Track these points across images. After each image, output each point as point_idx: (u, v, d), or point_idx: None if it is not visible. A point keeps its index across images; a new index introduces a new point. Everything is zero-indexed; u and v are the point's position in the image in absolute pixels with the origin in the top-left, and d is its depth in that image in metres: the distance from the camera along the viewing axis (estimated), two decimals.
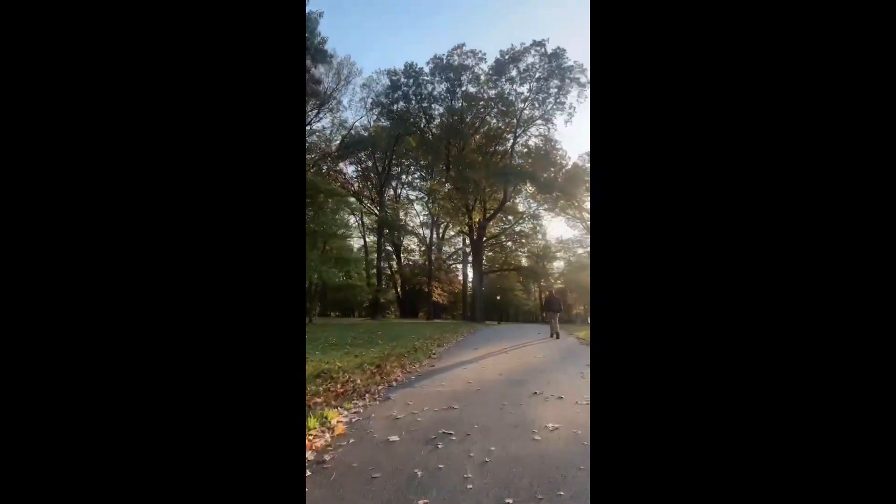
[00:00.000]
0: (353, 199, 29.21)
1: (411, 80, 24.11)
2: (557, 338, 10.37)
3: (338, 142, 28.13)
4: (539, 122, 24.00)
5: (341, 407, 3.60)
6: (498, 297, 33.55)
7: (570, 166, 25.08)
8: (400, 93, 24.43)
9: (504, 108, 23.13)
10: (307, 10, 12.87)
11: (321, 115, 27.37)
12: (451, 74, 23.27)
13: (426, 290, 29.48)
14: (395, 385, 4.64)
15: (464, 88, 23.66)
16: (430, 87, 24.33)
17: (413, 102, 24.84)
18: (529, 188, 24.98)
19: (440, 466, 2.35)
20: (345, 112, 28.33)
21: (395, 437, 2.88)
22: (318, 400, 3.83)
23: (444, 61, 23.38)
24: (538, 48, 22.14)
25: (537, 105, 23.38)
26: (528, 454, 2.55)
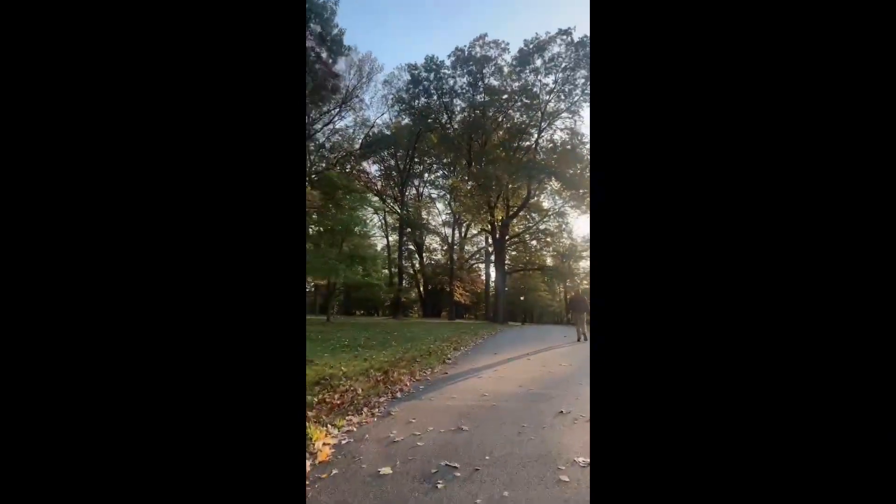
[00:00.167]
0: (375, 198, 29.16)
1: (432, 75, 23.57)
2: (585, 340, 9.64)
3: (361, 140, 27.99)
4: (565, 114, 23.05)
5: (332, 424, 3.08)
6: (521, 298, 32.70)
7: None
8: (420, 88, 23.93)
9: (528, 101, 22.26)
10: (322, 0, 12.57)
11: (344, 114, 27.30)
12: (473, 67, 22.61)
13: (448, 289, 28.96)
14: (400, 396, 4.10)
15: (486, 81, 22.93)
16: (451, 82, 23.74)
17: (434, 97, 24.31)
18: (555, 184, 24.04)
19: None
20: (367, 110, 28.23)
21: (386, 470, 2.33)
22: (310, 414, 3.33)
23: (466, 53, 22.73)
24: (564, 37, 21.20)
25: (563, 97, 22.43)
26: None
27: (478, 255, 34.29)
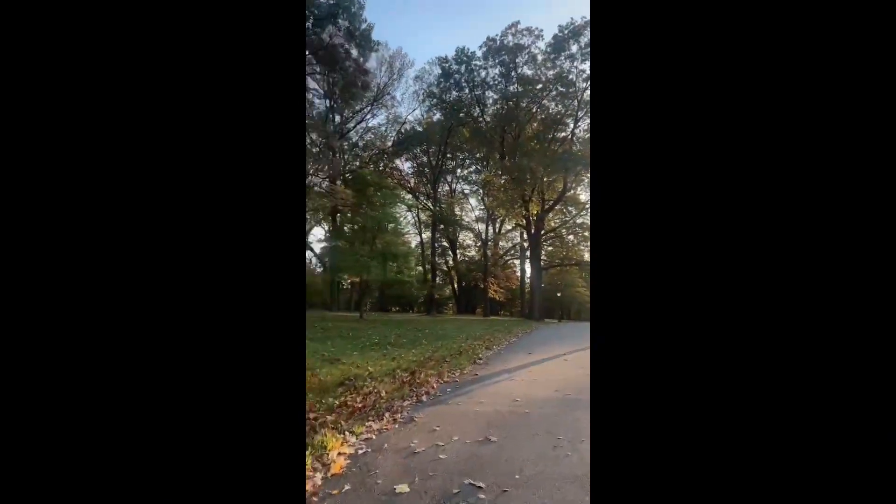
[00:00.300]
0: (408, 196, 29.20)
1: (463, 67, 23.18)
2: None
3: (393, 138, 28.04)
4: None
5: (350, 431, 2.88)
6: (558, 294, 31.81)
7: None
8: (451, 81, 23.60)
9: (564, 90, 21.44)
10: None
11: (376, 112, 27.44)
12: (506, 56, 22.03)
13: (482, 286, 28.60)
14: (426, 400, 3.86)
15: (519, 71, 22.28)
16: (483, 73, 23.28)
17: (465, 90, 23.92)
18: None
19: None
20: (399, 107, 28.25)
21: (403, 487, 2.09)
22: (330, 418, 3.15)
23: (498, 43, 22.16)
24: None
25: None
26: None
27: (513, 251, 33.69)
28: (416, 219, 30.75)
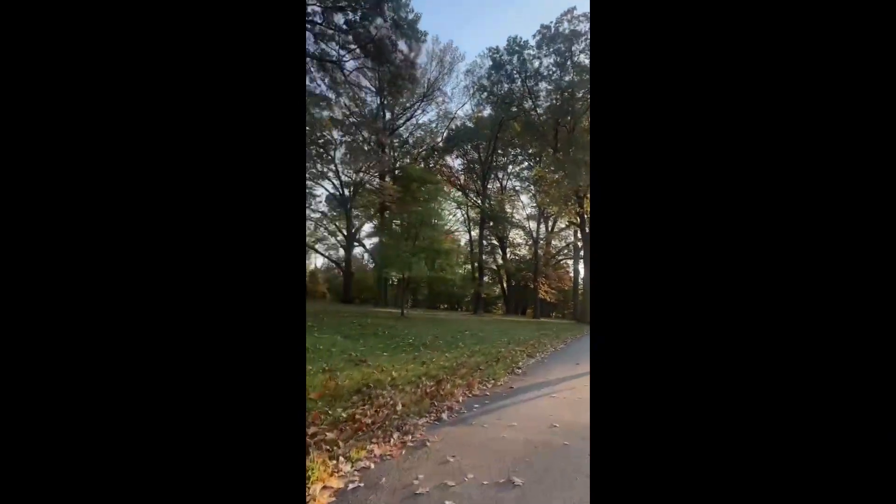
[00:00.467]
0: (458, 193, 28.77)
1: (515, 57, 22.27)
2: None
3: (444, 134, 27.72)
4: None
5: (346, 456, 2.41)
6: None
7: None
8: (503, 72, 22.77)
9: None
10: None
11: (426, 108, 27.23)
12: (561, 45, 20.87)
13: (532, 286, 27.55)
14: (447, 418, 3.32)
15: (575, 59, 21.01)
16: (535, 63, 22.24)
17: (517, 82, 23.00)
18: None
19: None
20: (449, 103, 27.82)
21: None
22: (330, 436, 2.71)
23: (553, 30, 21.04)
24: None
25: None
26: None
27: (566, 251, 32.24)
28: (466, 216, 30.25)
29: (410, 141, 27.81)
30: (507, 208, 29.97)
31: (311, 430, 2.79)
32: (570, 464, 2.46)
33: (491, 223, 27.45)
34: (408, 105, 25.90)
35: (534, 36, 21.95)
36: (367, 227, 27.32)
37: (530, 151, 26.61)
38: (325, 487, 2.07)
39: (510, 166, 29.82)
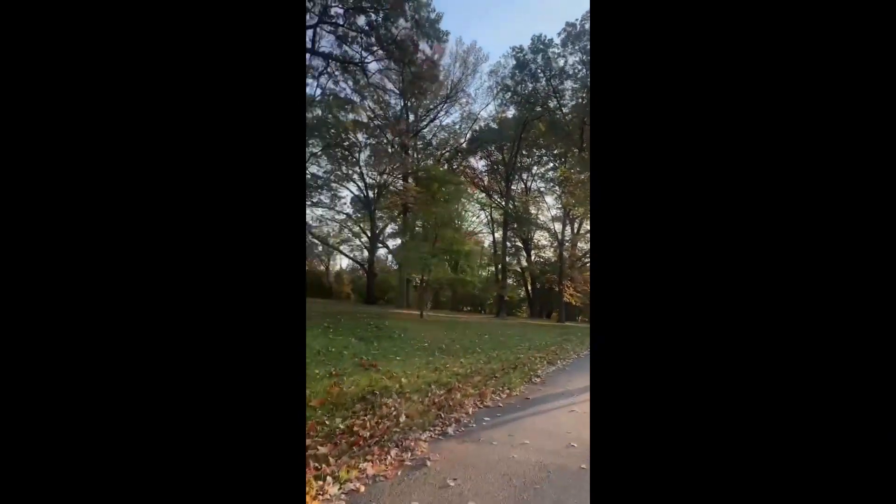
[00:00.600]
0: (482, 194, 28.40)
1: (539, 56, 21.77)
2: None
3: (467, 135, 27.46)
4: None
5: (335, 477, 2.19)
6: None
7: None
8: (527, 71, 22.30)
9: None
10: None
11: (450, 110, 27.06)
12: (587, 43, 20.26)
13: (557, 289, 26.88)
14: (453, 432, 3.07)
15: None
16: (561, 62, 21.65)
17: (542, 81, 22.49)
18: None
19: None
20: (473, 104, 27.53)
21: None
22: (322, 450, 2.51)
23: (578, 28, 20.42)
24: None
25: None
26: None
27: None
28: (489, 218, 29.88)
29: (434, 143, 27.69)
30: (532, 210, 29.38)
31: None
32: (586, 493, 2.17)
33: (515, 225, 26.95)
34: (431, 107, 25.80)
35: (559, 34, 21.41)
36: (391, 229, 27.36)
37: (555, 152, 26.02)
38: None
39: (535, 167, 29.27)
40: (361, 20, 12.64)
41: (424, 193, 12.82)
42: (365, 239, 27.24)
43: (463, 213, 29.74)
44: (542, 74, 22.34)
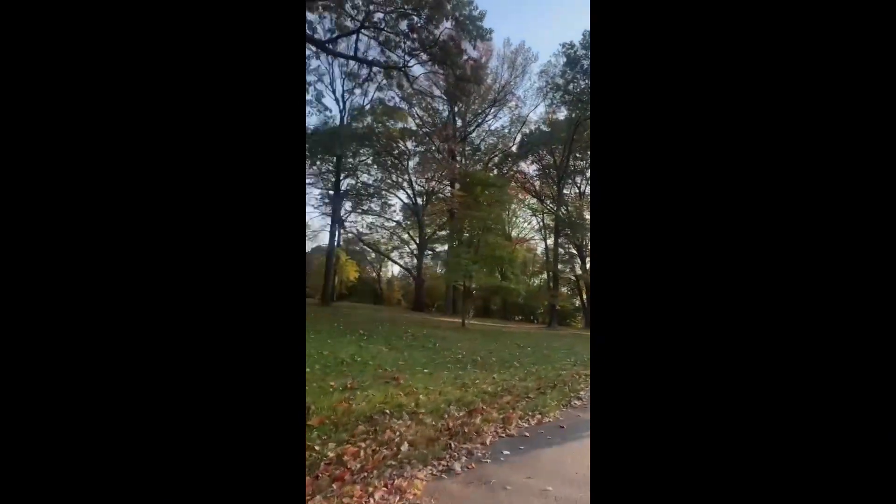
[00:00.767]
0: (533, 200, 27.50)
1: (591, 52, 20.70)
2: None
3: (517, 139, 26.77)
4: None
5: None
6: None
7: None
8: (578, 68, 21.25)
9: None
10: None
11: (498, 113, 26.54)
12: None
13: None
14: (461, 469, 2.56)
15: None
16: None
17: None
18: None
19: None
20: (523, 107, 26.83)
21: None
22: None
23: None
24: None
25: None
26: None
27: None
28: (541, 223, 28.85)
29: (482, 148, 27.28)
30: (586, 215, 27.97)
31: None
32: None
33: (568, 231, 25.74)
34: (479, 111, 25.44)
35: None
36: (438, 236, 27.20)
37: None
38: None
39: (588, 170, 27.89)
40: (403, 24, 12.57)
41: (467, 197, 12.37)
42: (414, 246, 27.36)
43: (512, 218, 29.01)
44: None
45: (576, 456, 2.89)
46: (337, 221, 21.96)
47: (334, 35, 13.06)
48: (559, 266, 26.45)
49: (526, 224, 31.05)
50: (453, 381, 4.96)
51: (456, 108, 24.31)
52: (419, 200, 25.45)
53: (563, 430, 3.50)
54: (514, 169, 27.44)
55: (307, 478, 2.23)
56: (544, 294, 25.98)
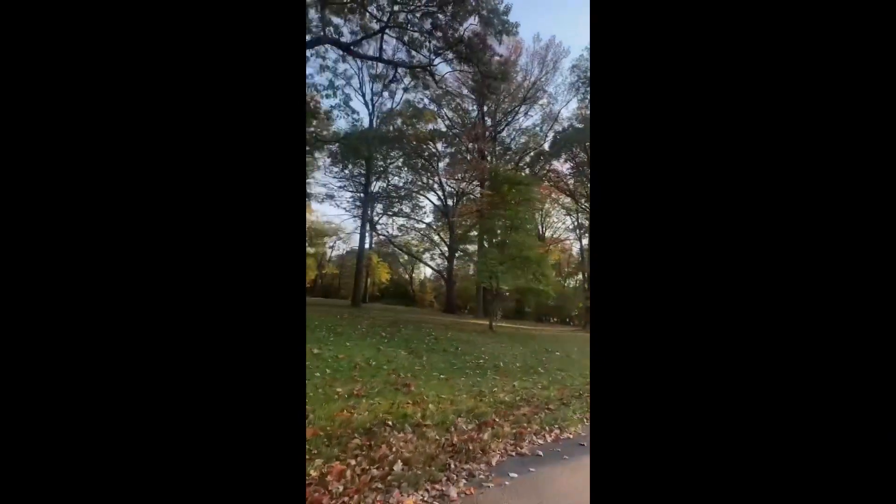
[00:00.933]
0: (567, 199, 26.65)
1: None
2: None
3: (549, 138, 26.07)
4: None
5: None
6: None
7: None
8: None
9: None
10: None
11: (529, 111, 25.93)
12: None
13: None
14: (455, 494, 2.26)
15: None
16: None
17: None
18: None
19: None
20: (555, 104, 26.10)
21: None
22: None
23: None
24: None
25: None
26: None
27: None
28: (576, 223, 27.95)
29: (513, 147, 26.74)
30: None
31: None
32: None
33: None
34: (509, 110, 24.97)
35: None
36: (468, 236, 26.88)
37: None
38: None
39: None
40: (428, 23, 12.39)
41: (494, 196, 12.01)
42: (445, 248, 27.19)
43: (546, 218, 28.26)
44: None
45: None
46: (367, 224, 22.11)
47: (359, 37, 13.05)
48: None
49: (560, 224, 30.23)
50: (469, 389, 4.65)
51: (485, 108, 23.97)
52: (449, 202, 25.26)
53: (584, 448, 3.12)
54: (547, 167, 26.72)
55: None
56: (579, 295, 25.05)
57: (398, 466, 2.47)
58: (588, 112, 24.43)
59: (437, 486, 2.31)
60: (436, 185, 25.47)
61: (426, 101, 21.67)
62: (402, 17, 12.81)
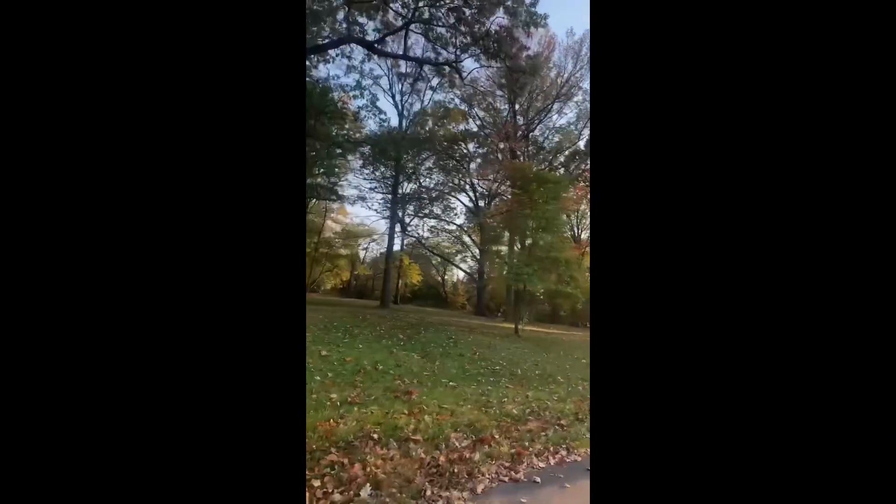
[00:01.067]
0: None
1: None
2: None
3: (585, 135, 25.14)
4: None
5: None
6: None
7: None
8: None
9: None
10: None
11: (563, 109, 25.10)
12: None
13: None
14: None
15: None
16: None
17: None
18: None
19: None
20: (588, 101, 25.14)
21: None
22: None
23: None
24: None
25: None
26: None
27: None
28: None
29: (546, 146, 25.98)
30: None
31: None
32: None
33: None
34: (541, 108, 24.28)
35: None
36: (498, 237, 26.34)
37: None
38: None
39: None
40: (452, 18, 12.12)
41: (521, 195, 11.53)
42: (476, 249, 26.80)
43: (582, 220, 27.21)
44: None
45: None
46: (397, 226, 22.10)
47: (382, 34, 12.96)
48: None
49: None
50: (476, 399, 4.29)
51: (517, 106, 23.40)
52: (481, 203, 24.85)
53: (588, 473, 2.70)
54: (583, 167, 25.77)
55: None
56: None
57: (366, 491, 2.17)
58: None
59: None
60: (467, 187, 25.14)
61: (457, 100, 21.41)
62: (426, 13, 12.62)
